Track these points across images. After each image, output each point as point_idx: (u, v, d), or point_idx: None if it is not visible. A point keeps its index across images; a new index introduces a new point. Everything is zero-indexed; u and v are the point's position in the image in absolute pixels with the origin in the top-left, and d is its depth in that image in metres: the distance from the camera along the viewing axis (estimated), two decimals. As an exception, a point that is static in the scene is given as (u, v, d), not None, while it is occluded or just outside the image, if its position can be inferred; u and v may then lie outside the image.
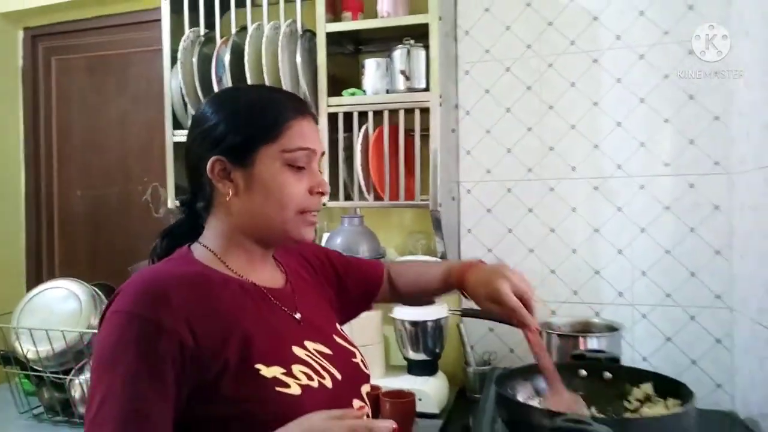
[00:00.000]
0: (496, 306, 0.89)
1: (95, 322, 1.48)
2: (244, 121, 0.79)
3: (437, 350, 1.58)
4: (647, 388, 0.94)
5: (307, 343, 0.81)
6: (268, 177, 0.78)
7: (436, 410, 1.47)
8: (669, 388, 0.91)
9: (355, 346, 0.91)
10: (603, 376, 1.01)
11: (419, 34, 1.53)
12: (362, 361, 0.89)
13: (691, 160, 1.49)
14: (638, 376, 0.98)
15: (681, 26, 1.48)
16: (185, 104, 1.75)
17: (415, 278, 1.06)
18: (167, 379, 0.67)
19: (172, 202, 1.80)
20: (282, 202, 0.78)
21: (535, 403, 0.94)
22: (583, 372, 1.02)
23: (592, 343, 1.25)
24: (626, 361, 1.41)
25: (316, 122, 0.86)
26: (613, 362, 1.03)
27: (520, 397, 0.96)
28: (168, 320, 0.68)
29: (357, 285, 1.02)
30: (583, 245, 1.59)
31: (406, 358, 1.60)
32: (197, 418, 0.70)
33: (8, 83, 2.32)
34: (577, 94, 1.58)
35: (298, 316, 0.83)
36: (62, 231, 2.35)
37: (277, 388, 0.72)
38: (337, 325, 0.93)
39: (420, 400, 1.43)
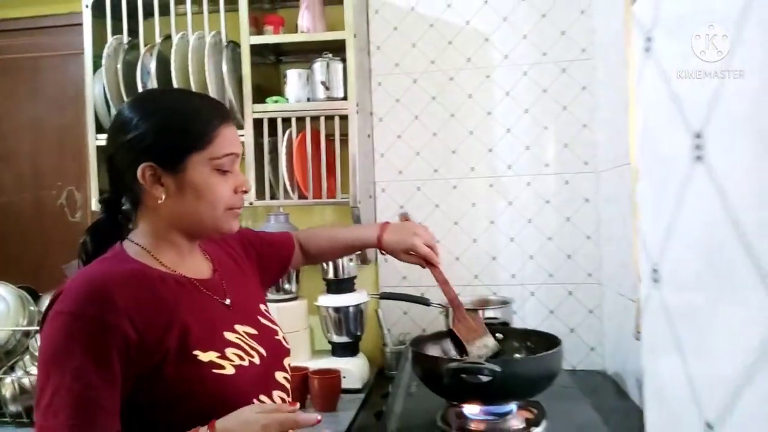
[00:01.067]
0: (412, 256, 1.13)
1: (24, 322, 1.50)
2: (174, 130, 0.85)
3: (358, 333, 1.75)
4: (529, 343, 1.18)
5: (237, 327, 0.91)
6: (199, 181, 0.85)
7: (359, 386, 1.64)
8: (545, 341, 1.14)
9: (276, 325, 1.01)
10: (495, 337, 1.23)
11: (336, 48, 1.70)
12: (283, 337, 1.00)
13: (566, 161, 1.78)
14: (522, 334, 1.21)
15: (556, 49, 1.77)
16: (109, 109, 1.80)
17: (329, 245, 1.23)
18: (114, 369, 0.75)
19: (95, 205, 1.83)
20: (213, 203, 0.86)
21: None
22: (499, 335, 1.24)
23: (489, 313, 1.48)
24: (518, 331, 1.66)
25: (235, 125, 0.94)
26: (504, 326, 1.26)
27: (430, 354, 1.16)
28: (111, 318, 0.76)
29: (273, 257, 1.16)
30: (482, 235, 1.84)
31: (330, 342, 1.76)
32: (144, 401, 0.79)
33: None
34: (474, 105, 1.82)
35: (227, 302, 0.92)
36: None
37: (214, 370, 0.81)
38: (261, 306, 1.02)
39: (344, 377, 1.59)
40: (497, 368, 0.91)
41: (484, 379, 0.93)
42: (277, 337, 0.99)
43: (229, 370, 0.83)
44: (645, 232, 0.31)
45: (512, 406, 1.05)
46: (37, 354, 1.39)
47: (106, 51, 1.76)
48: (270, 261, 1.14)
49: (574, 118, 1.77)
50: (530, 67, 1.79)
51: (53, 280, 1.91)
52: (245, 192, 0.91)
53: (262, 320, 0.99)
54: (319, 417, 0.78)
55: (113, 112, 1.79)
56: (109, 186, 0.91)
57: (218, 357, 0.83)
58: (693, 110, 0.26)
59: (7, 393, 1.43)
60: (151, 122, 0.85)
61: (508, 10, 1.79)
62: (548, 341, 1.11)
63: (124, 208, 0.92)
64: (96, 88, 1.81)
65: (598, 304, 1.76)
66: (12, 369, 1.45)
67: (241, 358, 0.86)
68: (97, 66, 1.80)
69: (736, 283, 0.23)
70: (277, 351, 0.96)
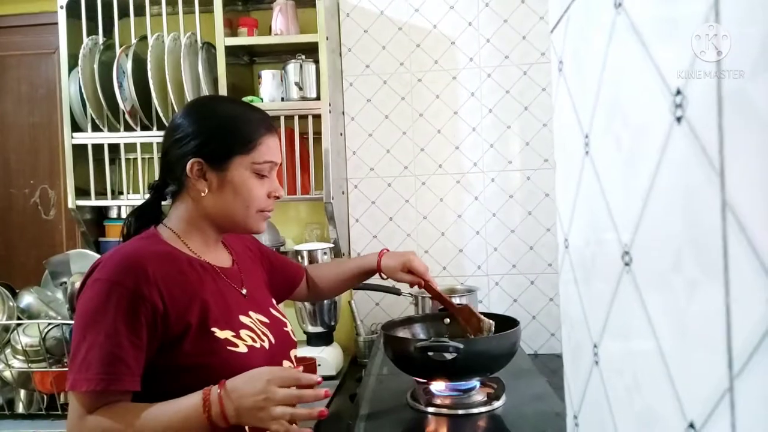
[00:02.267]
0: (408, 274, 1.24)
1: (3, 318, 1.53)
2: (224, 133, 0.96)
3: (332, 323, 1.83)
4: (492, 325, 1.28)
5: (252, 313, 1.00)
6: (239, 182, 0.95)
7: (333, 372, 1.72)
8: (506, 323, 1.23)
9: (286, 318, 1.10)
10: (460, 322, 1.32)
11: (309, 50, 1.77)
12: (291, 330, 1.09)
13: (528, 158, 1.89)
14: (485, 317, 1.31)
15: (517, 52, 1.88)
16: (85, 108, 1.84)
17: (336, 276, 1.33)
18: (141, 335, 0.85)
19: (72, 202, 1.86)
20: (247, 204, 0.96)
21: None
22: (447, 320, 1.34)
23: (455, 300, 1.57)
24: (484, 318, 1.77)
25: (279, 137, 1.05)
26: (468, 311, 1.35)
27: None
28: (144, 289, 0.85)
29: (282, 278, 1.25)
30: (449, 229, 1.93)
31: (305, 332, 1.83)
32: (164, 367, 0.88)
33: None
34: (441, 105, 1.92)
35: (244, 291, 1.02)
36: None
37: (228, 347, 0.90)
38: (273, 300, 1.12)
39: (319, 365, 1.66)
40: (460, 346, 1.00)
41: (449, 356, 1.02)
42: (286, 329, 1.08)
43: (242, 349, 0.91)
44: (560, 211, 0.40)
45: (475, 382, 1.15)
46: (18, 347, 1.43)
47: (82, 51, 1.79)
48: (278, 280, 1.23)
49: (535, 117, 1.88)
50: (494, 70, 1.89)
51: (29, 277, 1.95)
52: (278, 198, 1.00)
53: (273, 312, 1.08)
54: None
55: (89, 110, 1.82)
56: (160, 175, 1.02)
57: (233, 336, 0.92)
58: (585, 118, 0.35)
59: (-10, 385, 1.47)
60: (206, 124, 0.97)
61: (472, 15, 1.89)
62: (508, 323, 1.21)
63: (167, 191, 1.03)
64: (71, 88, 1.84)
65: (558, 292, 1.87)
66: (-9, 362, 1.48)
67: (254, 340, 0.95)
68: (72, 66, 1.83)
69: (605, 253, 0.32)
70: (285, 341, 1.05)
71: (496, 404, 1.10)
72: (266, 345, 0.97)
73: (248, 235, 1.15)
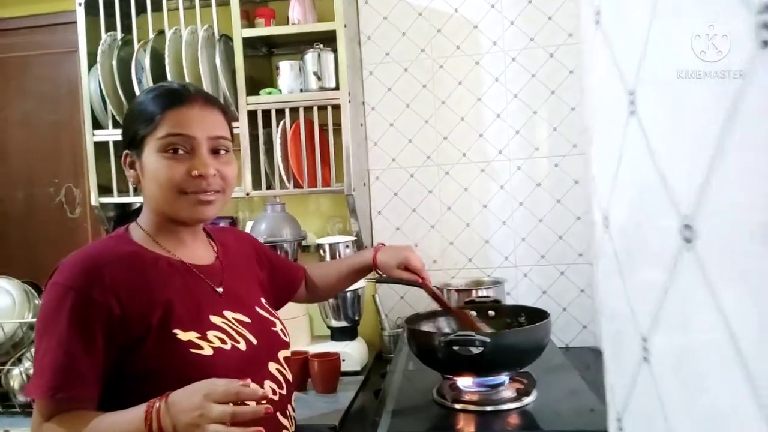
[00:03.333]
0: (405, 271, 1.17)
1: (29, 316, 1.54)
2: (132, 116, 0.93)
3: (356, 318, 1.79)
4: (520, 318, 1.22)
5: (227, 313, 0.93)
6: (150, 163, 0.89)
7: (358, 368, 1.68)
8: (535, 316, 1.18)
9: (276, 317, 1.03)
10: (488, 314, 1.27)
11: (327, 39, 1.73)
12: (282, 330, 1.02)
13: (556, 144, 1.81)
14: (514, 310, 1.26)
15: (543, 34, 1.80)
16: (105, 105, 1.83)
17: (332, 275, 1.28)
18: (96, 340, 0.81)
19: (95, 200, 1.87)
20: (161, 185, 0.88)
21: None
22: (473, 312, 1.29)
23: (481, 293, 1.53)
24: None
25: (223, 111, 0.95)
26: (495, 303, 1.30)
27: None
28: (97, 293, 0.82)
29: (283, 279, 1.20)
30: (475, 219, 1.88)
31: (329, 327, 1.80)
32: (126, 372, 0.84)
33: None
34: (464, 91, 1.86)
35: (220, 289, 0.95)
36: (-33, 237, 2.30)
37: (191, 350, 0.85)
38: (262, 299, 1.04)
39: (344, 360, 1.63)
40: (487, 339, 0.95)
41: (475, 350, 0.97)
42: (274, 329, 1.00)
43: (207, 351, 0.86)
44: (598, 185, 0.35)
45: (504, 377, 1.10)
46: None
47: (100, 48, 1.79)
48: (280, 281, 1.18)
49: (562, 101, 1.80)
50: (518, 53, 1.82)
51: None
52: (200, 176, 0.88)
53: (259, 310, 1.01)
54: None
55: (109, 108, 1.82)
56: None
57: (198, 337, 0.87)
58: (629, 72, 0.30)
59: (15, 384, 1.47)
60: (126, 113, 0.97)
61: (495, -3, 1.82)
62: (538, 315, 1.16)
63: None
64: (92, 85, 1.84)
65: (589, 283, 1.80)
66: (19, 360, 1.49)
67: (223, 342, 0.89)
68: (91, 63, 1.83)
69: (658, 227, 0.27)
70: (271, 342, 0.98)
71: (527, 400, 1.05)
72: (242, 346, 0.91)
73: (245, 235, 1.10)
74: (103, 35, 1.81)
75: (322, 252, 1.77)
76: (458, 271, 1.88)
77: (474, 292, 1.53)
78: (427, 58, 1.88)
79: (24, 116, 2.23)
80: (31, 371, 1.47)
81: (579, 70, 1.78)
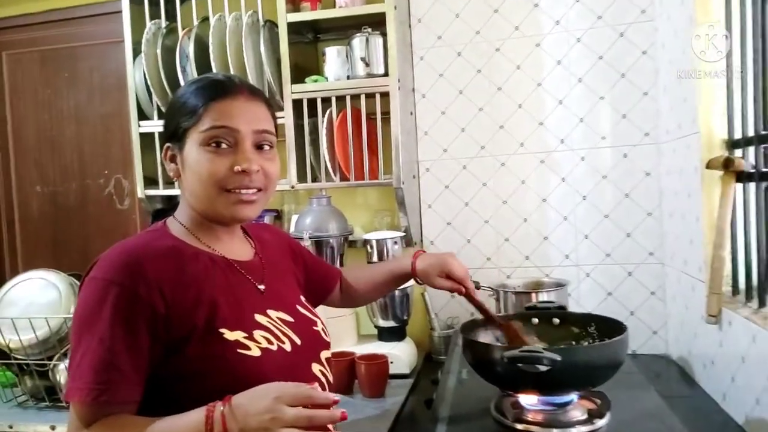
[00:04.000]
0: (446, 280, 1.09)
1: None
2: (174, 108, 0.88)
3: (405, 317, 1.70)
4: (590, 329, 1.10)
5: (270, 312, 0.88)
6: (191, 157, 0.84)
7: (406, 371, 1.59)
8: (608, 327, 1.05)
9: (317, 316, 0.98)
10: (552, 322, 1.15)
11: (375, 22, 1.63)
12: (323, 329, 0.96)
13: (625, 132, 1.65)
14: (582, 319, 1.13)
15: (612, 11, 1.64)
16: (150, 95, 1.80)
17: (368, 281, 1.20)
18: (140, 338, 0.76)
19: (141, 192, 1.84)
20: (202, 180, 0.83)
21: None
22: (535, 320, 1.17)
23: (543, 296, 1.40)
24: (574, 314, 1.57)
25: (267, 104, 0.90)
26: (560, 310, 1.18)
27: (483, 340, 1.09)
28: (142, 289, 0.76)
29: (316, 282, 1.12)
30: (532, 214, 1.74)
31: (376, 326, 1.72)
32: (169, 375, 0.78)
33: (-41, 80, 2.28)
34: (523, 76, 1.72)
35: (262, 287, 0.90)
36: (23, 228, 2.34)
37: (239, 350, 0.79)
38: (302, 297, 1.00)
39: (392, 362, 1.54)
40: (557, 357, 0.84)
41: (543, 368, 0.86)
42: (315, 328, 0.95)
43: (255, 352, 0.81)
44: None
45: (573, 395, 0.98)
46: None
47: (144, 36, 1.75)
48: (314, 282, 1.11)
49: (633, 85, 1.64)
50: (584, 33, 1.67)
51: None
52: (243, 172, 0.83)
53: (301, 309, 0.96)
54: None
55: (155, 98, 1.78)
56: None
57: (245, 337, 0.81)
58: None
59: (62, 379, 1.46)
60: (168, 105, 0.92)
61: (558, -28, 1.67)
62: (611, 327, 1.03)
63: None
64: (137, 75, 1.81)
65: (660, 284, 1.64)
66: (65, 355, 1.47)
67: (270, 342, 0.84)
68: (137, 53, 1.79)
69: None
70: (314, 342, 0.93)
71: (599, 423, 0.94)
72: (287, 347, 0.86)
73: (280, 232, 1.04)
74: (148, 23, 1.77)
75: (369, 248, 1.68)
76: (514, 269, 1.76)
77: (534, 295, 1.41)
78: (482, 41, 1.75)
79: (76, 108, 2.24)
80: (77, 366, 1.46)
81: (653, 50, 1.61)
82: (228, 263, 0.88)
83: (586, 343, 1.08)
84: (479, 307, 1.12)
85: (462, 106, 1.77)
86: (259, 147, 0.87)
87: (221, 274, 0.86)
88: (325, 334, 0.97)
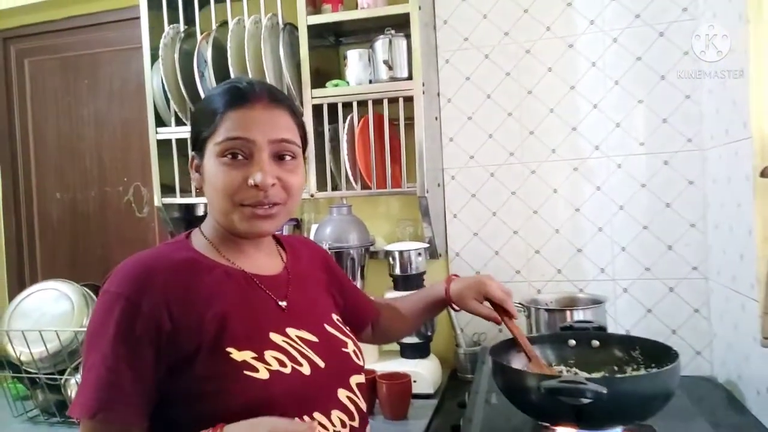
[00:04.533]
0: (484, 305, 1.02)
1: (87, 321, 1.47)
2: (195, 117, 0.85)
3: (429, 333, 1.61)
4: (634, 353, 1.00)
5: (289, 330, 0.82)
6: (209, 168, 0.81)
7: (431, 390, 1.50)
8: (655, 352, 0.95)
9: (349, 337, 0.91)
10: (591, 345, 1.05)
11: (399, 24, 1.56)
12: (355, 351, 0.89)
13: (665, 138, 1.55)
14: (625, 342, 1.03)
15: (652, 9, 1.54)
16: (168, 101, 1.75)
17: (405, 312, 1.12)
18: (144, 357, 0.72)
19: (158, 200, 1.80)
20: (217, 193, 0.80)
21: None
22: (573, 341, 1.07)
23: (579, 315, 1.30)
24: (611, 333, 1.47)
25: (291, 111, 0.85)
26: (599, 330, 1.08)
27: (515, 366, 1.00)
28: (147, 303, 0.73)
29: (350, 314, 1.03)
30: (565, 225, 1.64)
31: (398, 342, 1.63)
32: (176, 393, 0.74)
33: (-19, 87, 2.28)
34: (555, 79, 1.63)
35: (283, 303, 0.84)
36: (43, 234, 2.32)
37: (245, 372, 0.74)
38: (333, 316, 0.93)
39: (415, 381, 1.46)
40: (603, 390, 0.74)
41: (586, 400, 0.77)
42: (345, 350, 0.88)
43: (263, 374, 0.74)
44: None
45: (618, 429, 0.88)
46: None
47: (162, 41, 1.71)
48: (347, 313, 1.02)
49: (675, 88, 1.53)
50: (621, 33, 1.57)
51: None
52: (257, 186, 0.78)
53: (329, 328, 0.89)
54: None
55: (172, 104, 1.74)
56: None
57: (254, 358, 0.75)
58: None
59: (73, 394, 1.42)
60: (192, 112, 0.89)
61: (592, -32, 1.58)
62: (658, 351, 0.93)
63: None
64: (154, 81, 1.77)
65: (705, 301, 1.53)
66: (76, 370, 1.43)
67: (282, 364, 0.77)
68: (155, 58, 1.75)
69: None
70: (341, 365, 0.85)
71: (648, 461, 0.83)
72: (305, 370, 0.79)
73: (315, 244, 1.00)
74: (166, 27, 1.73)
75: (391, 260, 1.60)
76: (545, 283, 1.66)
77: (569, 314, 1.31)
78: (511, 43, 1.66)
79: (96, 115, 2.22)
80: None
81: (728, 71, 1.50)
82: (246, 277, 0.83)
83: (630, 369, 0.99)
84: (520, 339, 1.02)
85: (490, 110, 1.69)
86: (279, 157, 0.82)
87: (236, 288, 0.81)
88: (357, 357, 0.89)
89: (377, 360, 1.63)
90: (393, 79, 1.56)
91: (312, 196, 1.64)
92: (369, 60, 1.60)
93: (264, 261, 0.88)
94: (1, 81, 2.30)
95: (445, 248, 1.74)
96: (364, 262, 1.67)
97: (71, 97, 2.24)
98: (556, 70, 1.63)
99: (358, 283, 1.66)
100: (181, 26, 1.76)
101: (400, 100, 1.55)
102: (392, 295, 1.60)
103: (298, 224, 1.88)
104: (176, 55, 1.70)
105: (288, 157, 0.82)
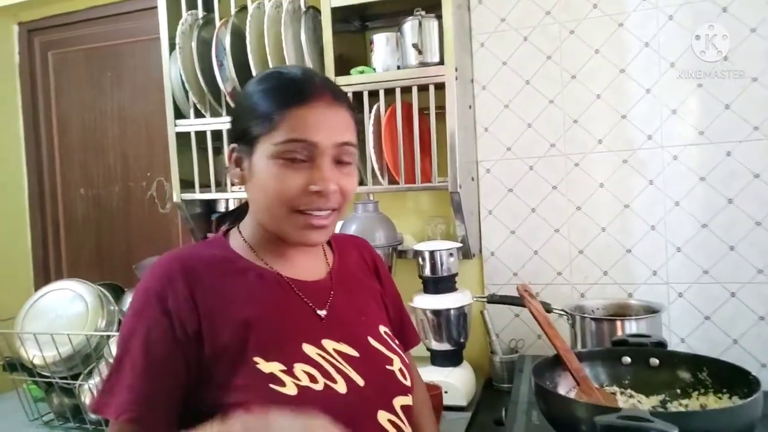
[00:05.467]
0: None
1: (102, 323, 1.41)
2: (246, 109, 0.77)
3: (461, 339, 1.49)
4: (701, 374, 0.86)
5: (326, 342, 0.75)
6: (260, 169, 0.74)
7: (463, 403, 1.39)
8: (726, 374, 0.82)
9: (397, 353, 0.82)
10: (649, 363, 0.92)
11: (430, 5, 1.44)
12: (401, 369, 0.81)
13: (727, 126, 1.39)
14: (691, 362, 0.89)
15: (712, -18, 1.38)
16: (186, 92, 1.67)
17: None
18: (172, 359, 0.69)
19: (177, 196, 1.72)
20: (268, 197, 0.74)
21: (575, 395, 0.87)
22: (627, 359, 0.94)
23: (632, 326, 1.16)
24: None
25: (350, 109, 0.78)
26: (659, 347, 0.94)
27: (562, 390, 0.88)
28: (174, 300, 0.70)
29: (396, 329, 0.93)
30: (612, 222, 1.50)
31: (428, 349, 1.52)
32: (201, 405, 0.69)
33: (5, 81, 2.25)
34: (602, 61, 1.48)
35: (322, 312, 0.78)
36: (68, 231, 2.29)
37: (272, 386, 0.68)
38: (381, 328, 0.84)
39: (446, 392, 1.35)
40: (674, 430, 0.61)
41: (651, 438, 0.64)
42: (389, 367, 0.79)
43: (290, 390, 0.68)
44: None
45: (685, 468, 0.75)
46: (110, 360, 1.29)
47: (180, 28, 1.63)
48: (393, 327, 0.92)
49: (738, 71, 1.37)
50: (677, 10, 1.41)
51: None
52: (319, 192, 0.72)
53: (374, 342, 0.81)
54: None
55: (190, 94, 1.66)
56: None
57: (282, 371, 0.69)
58: None
59: (87, 400, 1.36)
60: (239, 100, 0.82)
61: (645, -62, 1.42)
62: (731, 374, 0.79)
63: None
64: (172, 71, 1.69)
65: (772, 308, 1.37)
66: (90, 375, 1.36)
67: (313, 380, 0.70)
68: (173, 47, 1.67)
69: None
70: (384, 384, 0.77)
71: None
72: (340, 388, 0.72)
73: (368, 246, 0.93)
74: (184, 14, 1.65)
75: (420, 260, 1.49)
76: (589, 287, 1.52)
77: (620, 324, 1.17)
78: (553, 23, 1.52)
79: (119, 108, 2.17)
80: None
81: (764, 29, 1.33)
82: (282, 282, 0.78)
83: (696, 394, 0.85)
84: (563, 358, 0.91)
85: (529, 98, 1.55)
86: (339, 162, 0.75)
87: (268, 293, 0.76)
88: (404, 376, 0.80)
89: (406, 367, 1.52)
90: (423, 64, 1.44)
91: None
92: (397, 44, 1.48)
93: (306, 265, 0.82)
94: (25, 75, 2.27)
95: (479, 248, 1.61)
96: (392, 263, 1.56)
97: (96, 90, 2.20)
98: (603, 52, 1.48)
99: (386, 285, 1.55)
100: (200, 12, 1.67)
101: (431, 88, 1.42)
102: (422, 298, 1.49)
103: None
104: (194, 44, 1.62)
105: (347, 161, 0.76)
